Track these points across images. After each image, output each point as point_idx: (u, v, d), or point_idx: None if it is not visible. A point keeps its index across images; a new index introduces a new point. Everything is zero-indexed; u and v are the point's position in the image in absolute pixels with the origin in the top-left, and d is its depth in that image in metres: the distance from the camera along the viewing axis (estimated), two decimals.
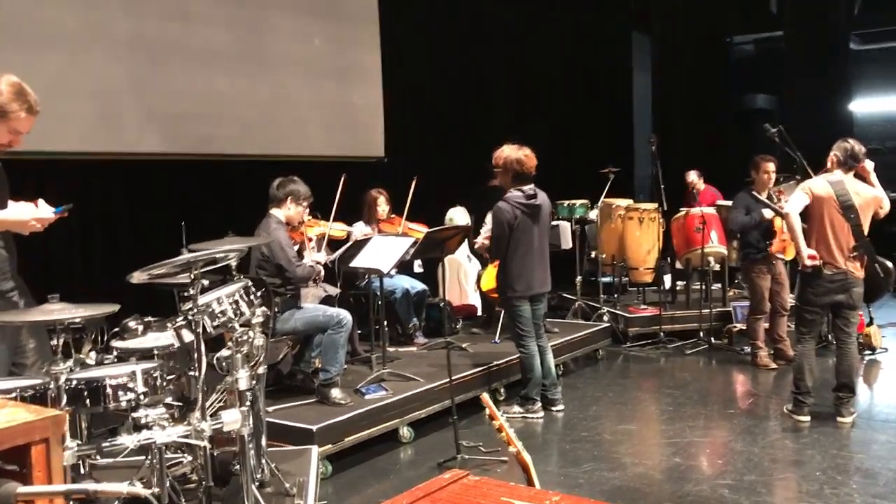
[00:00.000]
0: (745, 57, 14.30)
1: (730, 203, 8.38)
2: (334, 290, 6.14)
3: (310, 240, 5.62)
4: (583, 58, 11.59)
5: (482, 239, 7.37)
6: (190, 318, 2.72)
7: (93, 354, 3.46)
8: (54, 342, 2.50)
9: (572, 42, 11.36)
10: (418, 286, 6.75)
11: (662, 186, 7.67)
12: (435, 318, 6.99)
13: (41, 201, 3.26)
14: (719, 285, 8.24)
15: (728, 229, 7.51)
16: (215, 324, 2.81)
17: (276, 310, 4.88)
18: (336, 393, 4.96)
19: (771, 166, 7.00)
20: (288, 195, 5.14)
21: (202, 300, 2.89)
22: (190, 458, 3.15)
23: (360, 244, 5.70)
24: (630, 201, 8.59)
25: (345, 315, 4.99)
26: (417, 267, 7.10)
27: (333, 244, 6.19)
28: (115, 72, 6.40)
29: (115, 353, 3.26)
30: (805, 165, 7.58)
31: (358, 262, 5.56)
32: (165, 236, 6.23)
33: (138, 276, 2.71)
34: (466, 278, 7.92)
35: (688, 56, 13.09)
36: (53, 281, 3.37)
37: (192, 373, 3.22)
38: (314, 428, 4.49)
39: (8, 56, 5.73)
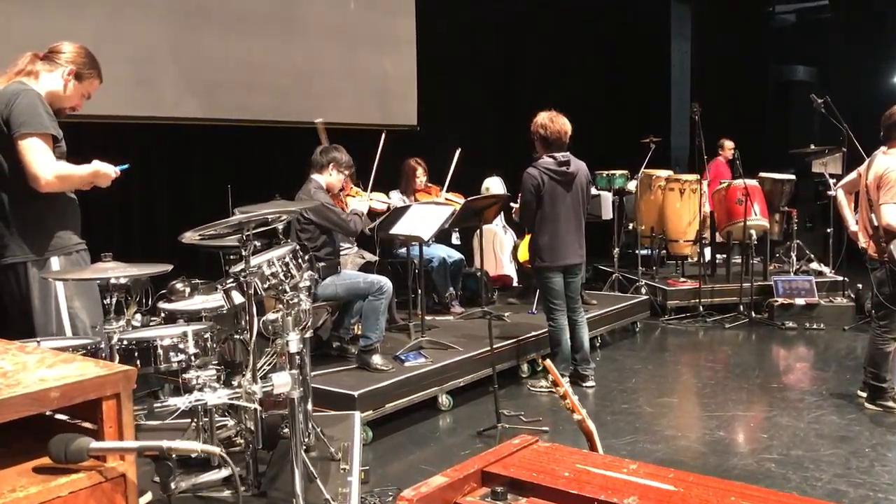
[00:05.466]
0: (786, 27, 13.95)
1: (775, 175, 8.24)
2: (373, 258, 6.11)
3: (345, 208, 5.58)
4: (621, 27, 11.38)
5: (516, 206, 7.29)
6: (241, 279, 2.69)
7: (138, 316, 3.44)
8: (106, 301, 2.48)
9: (611, 11, 11.14)
10: (455, 255, 6.70)
11: (705, 157, 7.51)
12: (471, 287, 6.95)
13: (97, 161, 3.25)
14: (760, 258, 8.10)
15: None
16: (266, 286, 2.78)
17: (318, 275, 4.86)
18: (377, 359, 4.95)
19: None
20: (330, 162, 5.11)
21: (254, 262, 2.85)
22: (234, 421, 3.14)
23: (399, 212, 5.65)
24: (670, 172, 8.44)
25: (385, 282, 4.95)
26: (455, 238, 7.04)
27: (373, 216, 6.15)
28: (152, 37, 6.38)
29: (161, 314, 3.24)
30: (851, 137, 7.41)
31: (398, 229, 5.52)
32: (202, 201, 6.26)
33: (190, 236, 2.68)
34: (502, 248, 7.84)
35: (728, 25, 12.79)
36: (92, 243, 3.38)
37: (238, 336, 3.22)
38: (356, 394, 4.48)
39: (47, 20, 5.72)
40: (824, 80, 12.67)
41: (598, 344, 6.67)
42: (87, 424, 1.47)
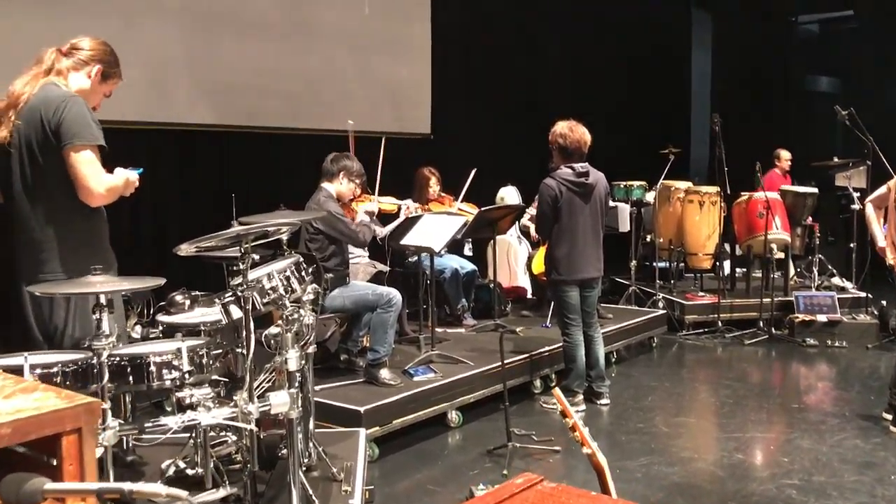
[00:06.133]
0: (810, 37, 13.74)
1: (798, 188, 8.06)
2: (385, 268, 6.00)
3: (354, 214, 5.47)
4: (641, 35, 11.22)
5: (526, 220, 7.17)
6: (239, 293, 2.58)
7: (138, 328, 3.34)
8: (95, 316, 2.37)
9: (631, 19, 10.99)
10: (468, 266, 6.57)
11: (726, 169, 7.34)
12: (484, 299, 6.81)
13: (119, 169, 3.14)
14: (780, 273, 7.91)
15: None
16: (265, 300, 2.66)
17: (326, 287, 4.75)
18: (385, 373, 4.82)
19: None
20: (341, 170, 5.01)
21: (252, 275, 2.74)
22: (236, 437, 3.03)
23: (410, 222, 5.53)
24: (689, 184, 8.26)
25: (395, 294, 4.83)
26: (468, 249, 6.92)
27: (383, 218, 6.05)
28: (165, 42, 6.32)
29: (160, 327, 3.14)
30: (877, 150, 7.22)
31: (409, 239, 5.40)
32: (214, 209, 6.17)
33: (186, 249, 2.57)
34: (516, 259, 7.71)
35: (750, 35, 12.61)
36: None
37: (239, 350, 3.11)
38: (362, 409, 4.35)
39: (61, 22, 5.66)
40: (848, 92, 12.45)
41: (613, 359, 6.51)
42: (47, 459, 1.35)
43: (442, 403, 4.88)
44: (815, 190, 8.15)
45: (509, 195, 7.56)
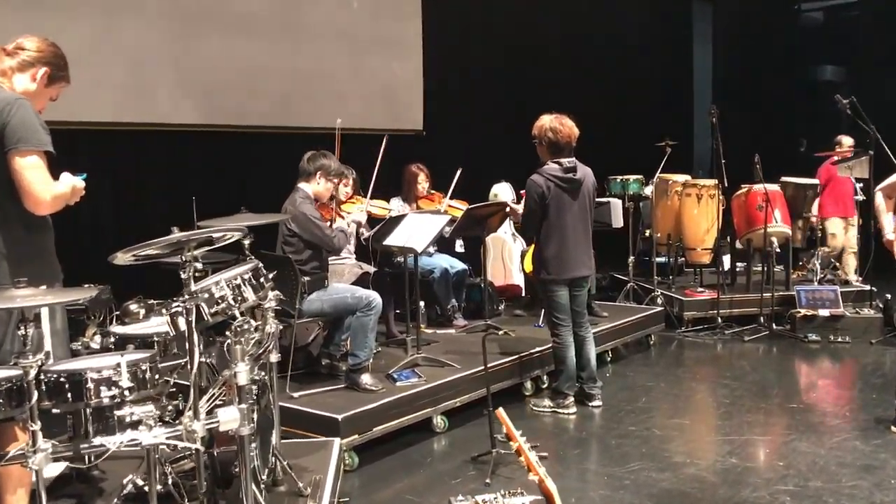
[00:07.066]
0: (813, 25, 13.49)
1: (798, 179, 7.86)
2: (371, 269, 5.85)
3: (342, 217, 5.31)
4: (640, 27, 11.03)
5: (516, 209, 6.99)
6: (181, 305, 2.43)
7: (98, 338, 3.20)
8: (21, 332, 2.22)
9: (630, 10, 10.80)
10: (458, 266, 6.41)
11: (723, 161, 7.15)
12: (476, 299, 6.65)
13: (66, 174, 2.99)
14: (782, 267, 7.71)
15: None
16: (213, 311, 2.51)
17: (303, 290, 4.61)
18: (366, 379, 4.67)
19: None
20: (318, 170, 4.85)
21: (202, 284, 2.60)
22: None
23: (394, 222, 5.38)
24: (688, 177, 8.07)
25: (374, 297, 4.68)
26: (459, 247, 6.75)
27: (373, 222, 5.90)
28: (148, 40, 6.19)
29: (112, 338, 3.00)
30: (879, 139, 7.01)
31: (391, 240, 5.25)
32: (200, 212, 6.02)
33: (122, 258, 2.42)
34: (511, 257, 7.54)
35: (752, 24, 12.39)
36: (86, 256, 3.15)
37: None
38: (339, 417, 4.20)
39: (37, 21, 5.53)
40: (854, 81, 12.20)
41: (608, 359, 6.36)
42: None
43: (425, 409, 4.72)
44: (817, 181, 7.95)
45: (503, 191, 7.39)
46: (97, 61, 5.84)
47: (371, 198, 5.71)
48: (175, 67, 6.32)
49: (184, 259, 2.40)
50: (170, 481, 2.99)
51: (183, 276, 2.41)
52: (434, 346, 5.68)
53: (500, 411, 2.10)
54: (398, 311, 6.18)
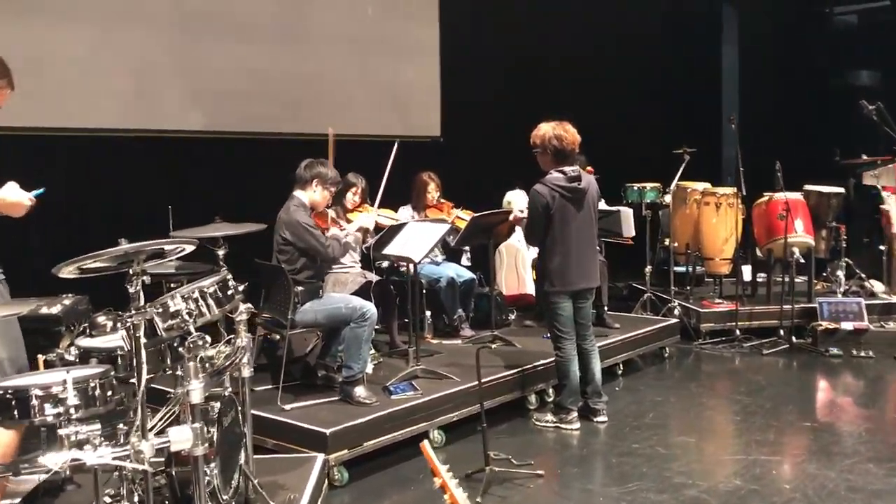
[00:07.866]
0: (847, 29, 13.13)
1: (821, 188, 7.61)
2: (374, 277, 5.76)
3: (339, 226, 5.21)
4: (665, 32, 10.81)
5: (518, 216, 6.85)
6: (128, 319, 2.35)
7: (73, 349, 3.14)
8: None
9: (653, 12, 10.58)
10: (465, 275, 6.29)
11: (742, 169, 6.94)
12: (485, 309, 6.52)
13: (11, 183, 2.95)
14: (804, 278, 7.46)
15: None
16: (166, 325, 2.43)
17: (297, 300, 4.53)
18: (360, 391, 4.57)
19: None
20: (315, 177, 4.78)
21: (161, 298, 2.52)
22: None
23: (394, 230, 5.28)
24: (707, 185, 7.86)
25: (368, 308, 4.57)
26: (466, 260, 6.64)
27: (380, 230, 5.80)
28: (153, 46, 6.19)
29: (76, 352, 2.93)
30: None
31: (391, 249, 5.15)
32: (203, 219, 5.99)
33: (66, 270, 2.35)
34: (524, 265, 7.41)
35: (783, 28, 12.09)
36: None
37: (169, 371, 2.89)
38: (328, 432, 4.11)
39: (42, 30, 5.55)
40: (890, 86, 11.83)
41: (619, 372, 6.19)
42: None
43: (421, 423, 4.60)
44: (841, 190, 7.69)
45: (517, 199, 7.25)
46: (100, 69, 5.86)
47: (381, 206, 5.62)
48: (180, 74, 6.32)
49: (131, 272, 2.33)
50: (136, 499, 2.90)
51: (130, 289, 2.34)
52: (437, 357, 5.57)
53: (424, 444, 1.98)
54: (406, 320, 6.07)
